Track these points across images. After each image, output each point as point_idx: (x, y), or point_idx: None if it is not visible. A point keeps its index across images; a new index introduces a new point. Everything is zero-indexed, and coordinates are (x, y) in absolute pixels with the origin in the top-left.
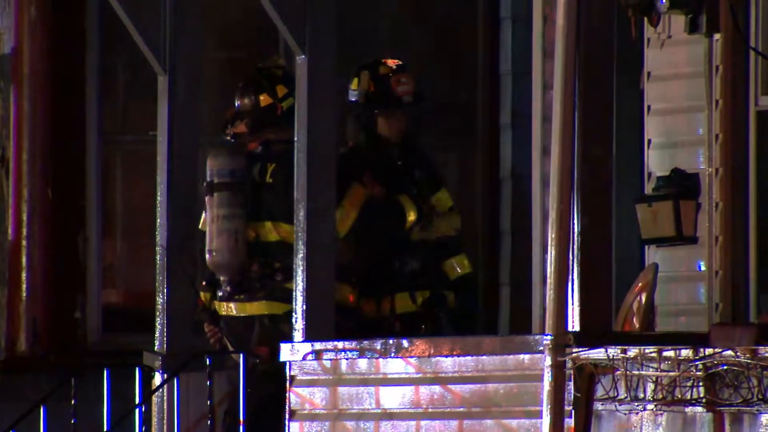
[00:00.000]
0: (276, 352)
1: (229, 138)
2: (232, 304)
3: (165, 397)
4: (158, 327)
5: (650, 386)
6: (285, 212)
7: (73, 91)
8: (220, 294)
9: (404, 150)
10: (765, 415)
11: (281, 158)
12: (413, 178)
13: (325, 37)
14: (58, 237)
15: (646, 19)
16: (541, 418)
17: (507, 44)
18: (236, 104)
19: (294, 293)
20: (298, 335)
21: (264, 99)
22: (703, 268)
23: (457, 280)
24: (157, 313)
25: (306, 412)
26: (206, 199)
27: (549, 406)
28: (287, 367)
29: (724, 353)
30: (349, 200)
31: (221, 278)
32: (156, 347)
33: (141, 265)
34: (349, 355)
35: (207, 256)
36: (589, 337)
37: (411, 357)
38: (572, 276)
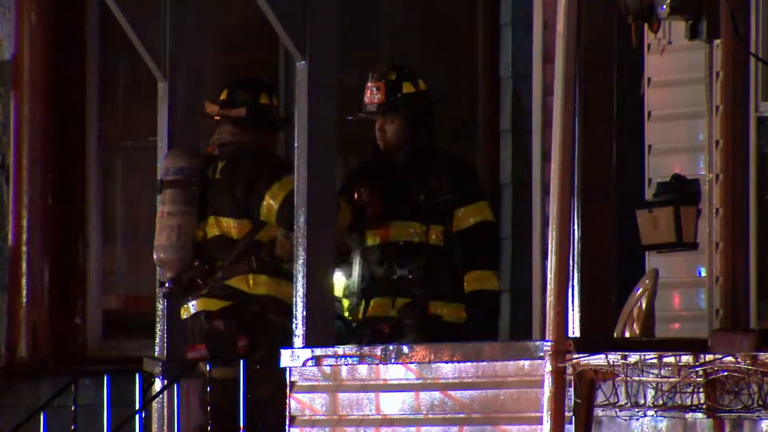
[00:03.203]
0: (213, 349)
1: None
2: (190, 303)
3: (165, 404)
4: (158, 333)
5: (650, 392)
6: (229, 207)
7: (73, 97)
8: (162, 291)
9: (414, 156)
10: (765, 421)
11: (232, 155)
12: (425, 186)
13: (326, 43)
14: (58, 243)
15: (646, 25)
16: (542, 424)
17: (507, 49)
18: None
19: (294, 299)
20: (298, 341)
21: (263, 98)
22: (703, 274)
23: (476, 293)
24: (158, 319)
25: (306, 418)
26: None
27: (549, 412)
28: (287, 372)
29: (724, 359)
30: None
31: (166, 275)
32: (156, 353)
33: (141, 270)
34: (350, 361)
35: (154, 254)
36: (590, 343)
37: (411, 363)
38: (573, 282)
